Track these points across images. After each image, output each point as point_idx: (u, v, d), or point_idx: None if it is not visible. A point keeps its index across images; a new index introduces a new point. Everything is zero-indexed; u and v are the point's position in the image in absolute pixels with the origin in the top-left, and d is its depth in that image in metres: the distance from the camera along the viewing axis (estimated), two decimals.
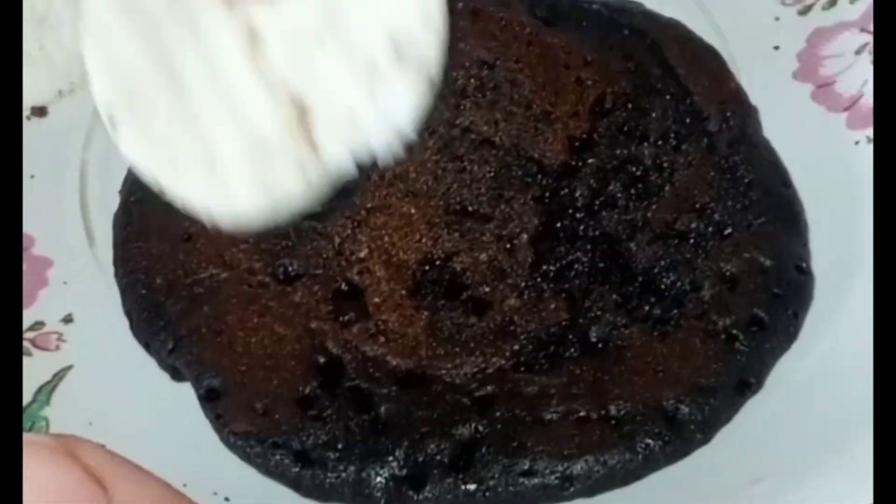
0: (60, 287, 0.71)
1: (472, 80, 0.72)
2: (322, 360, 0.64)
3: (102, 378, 0.67)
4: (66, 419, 0.65)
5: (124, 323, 0.68)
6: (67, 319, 0.69)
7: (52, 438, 0.42)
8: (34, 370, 0.67)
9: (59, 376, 0.67)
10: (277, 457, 0.61)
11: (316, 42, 0.56)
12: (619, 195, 0.68)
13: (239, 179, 0.55)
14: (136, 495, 0.42)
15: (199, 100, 0.55)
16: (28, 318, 0.69)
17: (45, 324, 0.69)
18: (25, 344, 0.68)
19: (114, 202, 0.73)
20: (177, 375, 0.66)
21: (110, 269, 0.70)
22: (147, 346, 0.67)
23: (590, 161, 0.69)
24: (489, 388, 0.62)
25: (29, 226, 0.72)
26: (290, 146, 0.55)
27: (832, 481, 0.58)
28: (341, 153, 0.56)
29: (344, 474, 0.61)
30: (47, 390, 0.66)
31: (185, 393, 0.65)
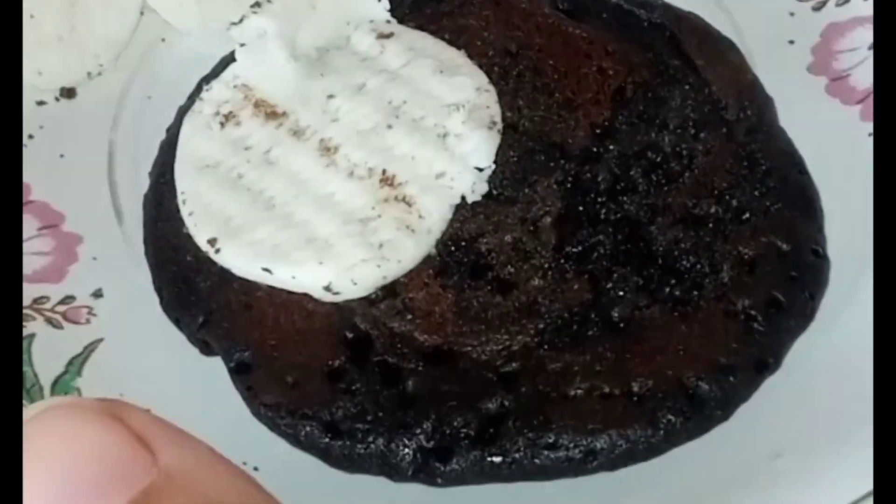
0: (90, 262, 0.72)
1: (496, 69, 0.74)
2: (350, 335, 0.65)
3: (132, 351, 0.69)
4: (97, 390, 0.66)
5: (153, 298, 0.70)
6: (97, 294, 0.71)
7: (100, 402, 0.43)
8: (65, 343, 0.68)
9: (89, 349, 0.68)
10: (308, 428, 0.63)
11: (384, 130, 0.69)
12: (639, 180, 0.70)
13: (348, 250, 0.65)
14: (180, 457, 0.43)
15: (290, 206, 0.67)
16: (58, 292, 0.71)
17: (76, 298, 0.71)
18: (56, 317, 0.69)
19: (141, 180, 0.74)
20: (206, 349, 0.68)
21: (139, 246, 0.72)
22: (177, 322, 0.69)
23: (611, 147, 0.71)
24: (514, 364, 0.64)
25: (59, 203, 0.74)
26: (389, 210, 0.67)
27: (850, 457, 0.59)
28: (434, 202, 0.67)
29: (373, 446, 0.62)
30: (78, 362, 0.67)
31: (214, 366, 0.67)
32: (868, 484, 0.57)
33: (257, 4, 0.74)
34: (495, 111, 0.71)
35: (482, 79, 0.73)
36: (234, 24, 0.73)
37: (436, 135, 0.69)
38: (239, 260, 0.67)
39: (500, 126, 0.70)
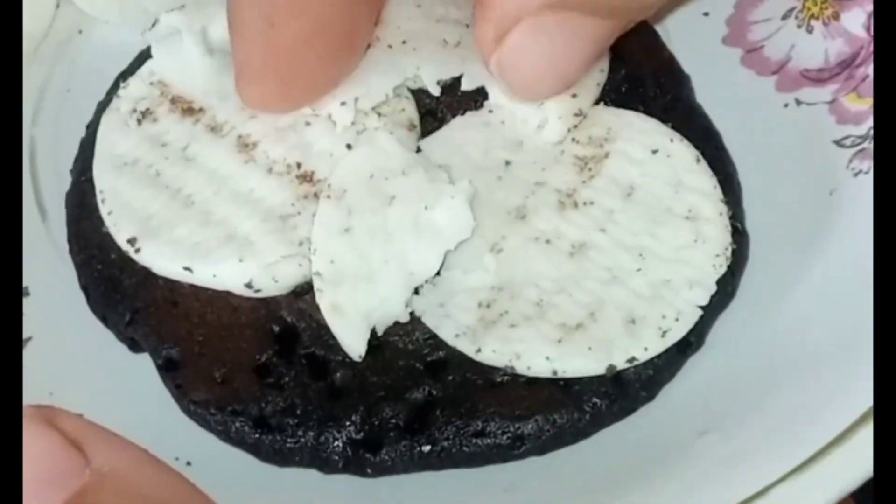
0: None
1: None
2: (277, 328, 0.66)
3: (61, 350, 0.69)
4: (27, 390, 0.65)
5: (80, 295, 0.70)
6: (24, 293, 0.70)
7: (31, 408, 0.44)
8: None
9: None
10: (237, 424, 0.64)
11: (302, 126, 0.69)
12: None
13: (268, 247, 0.65)
14: (112, 458, 0.44)
15: (210, 203, 0.67)
16: None
17: None
18: None
19: (64, 177, 0.74)
20: (135, 347, 0.68)
21: (64, 244, 0.72)
22: (104, 320, 0.69)
23: None
24: (441, 353, 0.65)
25: None
26: (309, 207, 0.66)
27: (773, 434, 0.60)
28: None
29: (303, 439, 0.63)
30: None
31: (144, 363, 0.67)
32: (791, 461, 0.57)
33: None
34: (412, 112, 0.71)
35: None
36: (147, 30, 0.73)
37: (354, 131, 0.69)
38: (159, 259, 0.67)
39: (418, 128, 0.71)
